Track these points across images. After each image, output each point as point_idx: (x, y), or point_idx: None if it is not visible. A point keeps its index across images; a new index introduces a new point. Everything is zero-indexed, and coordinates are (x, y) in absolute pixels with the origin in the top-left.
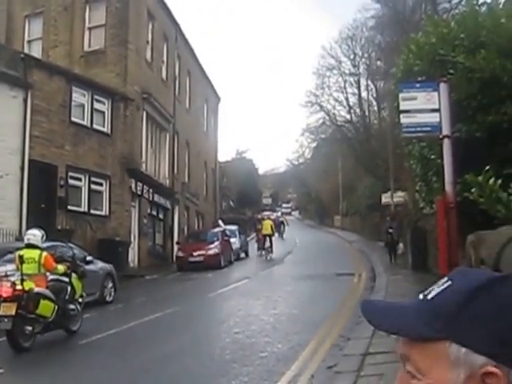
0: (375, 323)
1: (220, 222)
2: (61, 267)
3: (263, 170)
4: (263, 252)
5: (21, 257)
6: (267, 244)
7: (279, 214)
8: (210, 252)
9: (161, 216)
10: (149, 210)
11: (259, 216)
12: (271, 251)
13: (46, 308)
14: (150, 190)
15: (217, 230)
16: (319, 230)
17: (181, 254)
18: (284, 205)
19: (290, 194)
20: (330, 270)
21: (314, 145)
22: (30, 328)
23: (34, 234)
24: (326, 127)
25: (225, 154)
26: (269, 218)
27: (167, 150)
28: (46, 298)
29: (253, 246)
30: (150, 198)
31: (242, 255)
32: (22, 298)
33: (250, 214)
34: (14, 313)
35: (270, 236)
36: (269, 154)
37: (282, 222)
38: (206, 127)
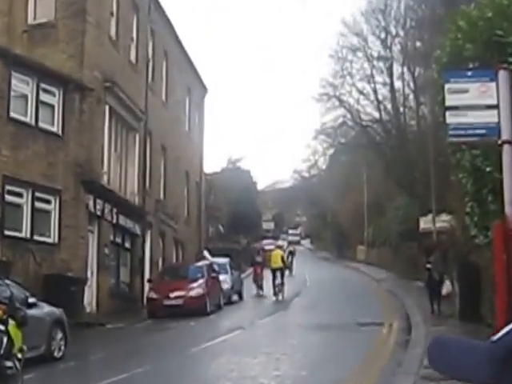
0: (439, 369)
1: (206, 252)
2: None
3: (263, 184)
4: (261, 292)
5: None
6: (277, 281)
7: (281, 242)
8: (193, 293)
9: (127, 245)
10: (112, 237)
11: (257, 245)
12: (283, 290)
13: None
14: (114, 210)
15: (202, 263)
16: (337, 264)
17: (154, 295)
18: (290, 231)
19: (298, 216)
20: (350, 317)
21: (331, 152)
22: None
23: None
24: (346, 128)
25: (213, 162)
26: (279, 248)
27: (136, 156)
28: None
29: (249, 285)
30: (114, 221)
31: (235, 297)
32: None
33: (245, 243)
34: None
35: (282, 270)
36: (271, 163)
37: (291, 252)
38: (188, 126)
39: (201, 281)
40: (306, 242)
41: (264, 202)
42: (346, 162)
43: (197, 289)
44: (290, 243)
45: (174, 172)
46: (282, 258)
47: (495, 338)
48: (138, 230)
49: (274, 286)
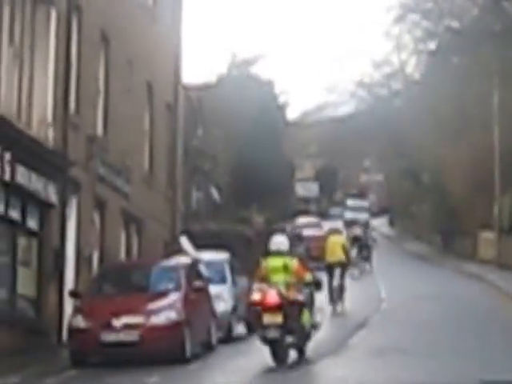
0: None
1: (185, 241)
2: (309, 276)
3: (298, 111)
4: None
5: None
6: (335, 282)
7: (338, 225)
8: (158, 319)
9: (32, 224)
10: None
11: (287, 227)
12: (342, 297)
13: (308, 318)
14: (6, 156)
15: (176, 262)
16: (441, 267)
17: (82, 322)
18: (351, 201)
19: (365, 172)
20: (468, 371)
21: (431, 47)
22: (290, 339)
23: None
24: (463, 1)
25: (203, 67)
26: (336, 233)
27: (52, 53)
28: (306, 307)
29: None
30: (6, 177)
31: (240, 329)
32: (288, 307)
33: (262, 224)
34: (281, 321)
35: (343, 267)
36: (311, 73)
37: (356, 239)
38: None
39: (174, 296)
40: (382, 223)
41: (299, 145)
42: (460, 68)
43: (165, 311)
44: (347, 224)
45: (125, 85)
46: (344, 248)
47: None
48: (52, 194)
49: (331, 289)
